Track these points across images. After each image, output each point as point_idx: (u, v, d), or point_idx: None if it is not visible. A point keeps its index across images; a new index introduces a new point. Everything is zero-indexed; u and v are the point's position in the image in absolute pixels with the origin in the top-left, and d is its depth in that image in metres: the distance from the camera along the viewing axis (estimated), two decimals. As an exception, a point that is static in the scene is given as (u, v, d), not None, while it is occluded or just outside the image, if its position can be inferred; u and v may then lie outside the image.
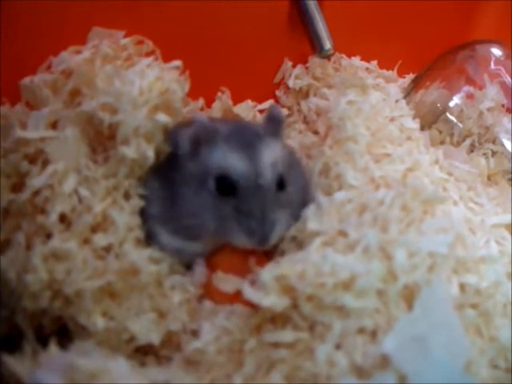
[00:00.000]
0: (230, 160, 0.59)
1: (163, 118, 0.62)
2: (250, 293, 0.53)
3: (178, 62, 0.70)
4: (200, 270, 0.61)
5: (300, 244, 0.60)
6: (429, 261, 0.54)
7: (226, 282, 0.58)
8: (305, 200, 0.64)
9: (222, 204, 0.59)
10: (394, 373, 0.47)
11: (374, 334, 0.51)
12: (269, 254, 0.61)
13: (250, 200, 0.58)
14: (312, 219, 0.60)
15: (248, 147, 0.60)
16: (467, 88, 0.80)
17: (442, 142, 0.78)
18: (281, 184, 0.60)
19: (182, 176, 0.61)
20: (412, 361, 0.47)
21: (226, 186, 0.59)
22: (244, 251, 0.59)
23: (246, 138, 0.62)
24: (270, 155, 0.60)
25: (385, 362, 0.48)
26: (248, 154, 0.59)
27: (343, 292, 0.51)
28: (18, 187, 0.60)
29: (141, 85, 0.62)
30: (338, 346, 0.50)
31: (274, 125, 0.64)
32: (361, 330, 0.51)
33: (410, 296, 0.52)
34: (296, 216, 0.62)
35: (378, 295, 0.52)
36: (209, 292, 0.60)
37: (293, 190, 0.62)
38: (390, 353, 0.48)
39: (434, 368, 0.47)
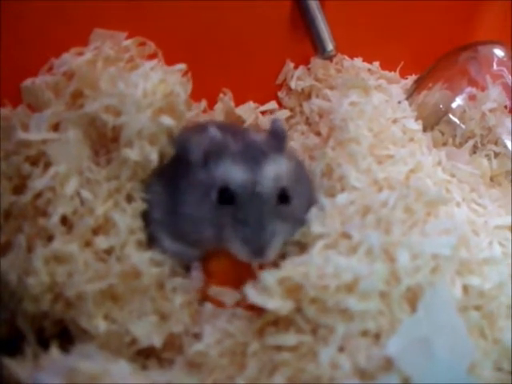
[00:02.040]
0: (232, 173, 0.59)
1: (167, 120, 0.62)
2: (254, 296, 0.52)
3: (182, 65, 0.70)
4: (197, 275, 0.61)
5: (303, 247, 0.60)
6: (432, 263, 0.54)
7: (223, 296, 0.58)
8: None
9: (221, 213, 0.59)
10: (398, 375, 0.47)
11: (377, 337, 0.50)
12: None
13: (248, 209, 0.58)
14: (315, 222, 0.60)
15: (251, 161, 0.60)
16: (470, 89, 0.80)
17: (445, 144, 0.78)
18: (283, 197, 0.60)
19: (187, 183, 0.61)
20: (416, 363, 0.47)
21: (226, 196, 0.59)
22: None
23: (251, 152, 0.61)
24: (272, 168, 0.60)
25: (388, 364, 0.48)
26: (250, 167, 0.59)
27: (346, 294, 0.51)
28: (19, 189, 0.60)
29: (145, 87, 0.62)
30: (341, 349, 0.50)
31: (277, 139, 0.64)
32: (364, 333, 0.50)
33: (413, 298, 0.52)
34: (300, 227, 0.61)
35: (382, 297, 0.51)
36: (207, 297, 0.60)
37: (299, 203, 0.62)
38: (393, 355, 0.47)
39: (438, 370, 0.47)
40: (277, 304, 0.52)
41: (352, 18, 0.88)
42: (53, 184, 0.58)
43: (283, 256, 0.60)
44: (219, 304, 0.59)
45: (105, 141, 0.63)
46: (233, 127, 0.77)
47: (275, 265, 0.56)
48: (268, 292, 0.52)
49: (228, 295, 0.58)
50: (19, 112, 0.67)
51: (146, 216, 0.62)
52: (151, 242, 0.62)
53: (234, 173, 0.59)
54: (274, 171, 0.60)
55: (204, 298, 0.60)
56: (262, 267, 0.56)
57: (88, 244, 0.58)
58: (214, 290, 0.59)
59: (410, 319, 0.50)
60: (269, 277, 0.52)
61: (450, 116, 0.79)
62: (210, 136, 0.61)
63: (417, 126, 0.75)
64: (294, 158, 0.67)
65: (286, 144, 0.65)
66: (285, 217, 0.59)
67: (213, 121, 0.78)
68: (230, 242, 0.58)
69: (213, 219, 0.59)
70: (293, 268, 0.53)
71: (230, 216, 0.58)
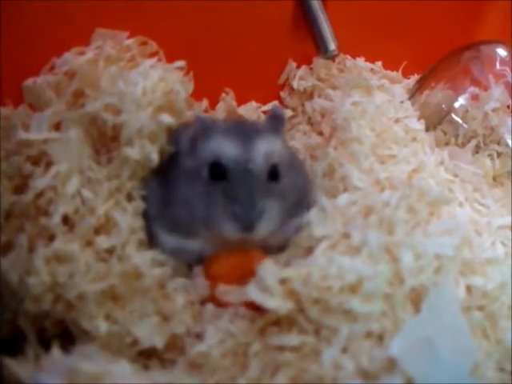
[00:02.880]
0: (223, 147, 0.59)
1: (167, 118, 0.61)
2: (254, 293, 0.52)
3: (181, 62, 0.70)
4: (200, 282, 0.61)
5: (307, 250, 0.60)
6: (435, 263, 0.53)
7: (230, 294, 0.58)
8: (304, 200, 0.64)
9: (212, 189, 0.59)
10: (401, 376, 0.47)
11: (380, 338, 0.50)
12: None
13: (239, 184, 0.58)
14: (317, 223, 0.60)
15: (243, 136, 0.60)
16: (472, 89, 0.80)
17: (447, 143, 0.78)
18: (274, 174, 0.60)
19: (179, 173, 0.62)
20: (419, 364, 0.47)
21: (217, 171, 0.59)
22: (242, 258, 0.59)
23: (243, 129, 0.63)
24: (265, 145, 0.60)
25: (391, 365, 0.47)
26: (242, 141, 0.60)
27: (350, 295, 0.51)
28: (20, 189, 0.60)
29: (144, 85, 0.62)
30: (344, 350, 0.50)
31: (275, 123, 0.64)
32: (368, 334, 0.50)
33: (416, 299, 0.52)
34: (291, 214, 0.62)
35: (385, 298, 0.51)
36: (213, 300, 0.59)
37: (289, 185, 0.62)
38: (396, 356, 0.47)
39: (441, 371, 0.47)
40: (276, 303, 0.51)
41: (354, 18, 0.88)
42: (54, 183, 0.58)
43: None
44: (221, 304, 0.58)
45: (105, 140, 0.63)
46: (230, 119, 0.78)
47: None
48: (269, 291, 0.52)
49: (234, 293, 0.58)
50: (20, 111, 0.67)
51: (145, 214, 0.62)
52: (150, 239, 0.62)
53: (225, 147, 0.59)
54: (266, 148, 0.60)
55: (207, 299, 0.60)
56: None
57: (89, 243, 0.58)
58: (221, 288, 0.59)
59: (413, 320, 0.50)
60: (270, 276, 0.52)
61: (453, 116, 0.79)
62: (196, 120, 0.62)
63: (419, 126, 0.75)
64: (290, 147, 0.68)
65: (283, 127, 0.66)
66: (274, 194, 0.59)
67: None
68: (220, 219, 0.58)
69: (204, 197, 0.59)
70: (295, 269, 0.53)
71: (221, 192, 0.58)
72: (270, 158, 0.60)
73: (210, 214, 0.58)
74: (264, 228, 0.58)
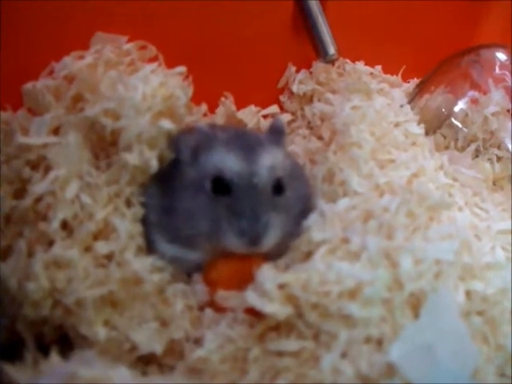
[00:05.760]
0: (226, 160, 0.59)
1: (167, 124, 0.61)
2: (253, 299, 0.52)
3: (182, 68, 0.70)
4: (199, 287, 0.60)
5: (306, 255, 0.59)
6: (435, 268, 0.53)
7: (229, 300, 0.58)
8: (306, 209, 0.63)
9: (216, 204, 0.59)
10: (401, 381, 0.47)
11: (379, 343, 0.50)
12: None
13: (243, 199, 0.58)
14: (316, 228, 0.60)
15: (246, 149, 0.60)
16: (472, 93, 0.80)
17: (447, 147, 0.78)
18: (278, 188, 0.60)
19: (180, 183, 0.61)
20: (418, 369, 0.47)
21: (221, 185, 0.59)
22: (241, 263, 0.59)
23: (245, 141, 0.62)
24: (268, 158, 0.60)
25: (391, 370, 0.47)
26: (245, 155, 0.59)
27: (349, 301, 0.51)
28: (19, 194, 0.60)
29: (144, 90, 0.62)
30: (343, 355, 0.50)
31: (276, 135, 0.64)
32: (367, 339, 0.50)
33: (416, 304, 0.52)
34: (295, 225, 0.61)
35: (384, 303, 0.51)
36: (212, 306, 0.59)
37: (293, 197, 0.62)
38: (396, 361, 0.47)
39: (441, 376, 0.47)
40: (275, 308, 0.51)
41: (354, 22, 0.88)
42: (53, 188, 0.58)
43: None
44: (220, 309, 0.58)
45: (105, 144, 0.63)
46: (231, 127, 0.78)
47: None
48: (268, 296, 0.52)
49: (233, 298, 0.57)
50: (20, 116, 0.67)
51: (144, 220, 0.62)
52: (148, 246, 0.61)
53: (228, 161, 0.59)
54: (270, 161, 0.60)
55: (206, 304, 0.60)
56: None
57: (88, 249, 0.58)
58: (220, 294, 0.58)
59: (412, 325, 0.50)
60: (269, 281, 0.52)
61: (453, 120, 0.79)
62: (197, 131, 0.62)
63: (419, 130, 0.75)
64: (291, 157, 0.68)
65: (284, 140, 0.66)
66: (279, 208, 0.59)
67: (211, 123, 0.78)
68: (225, 233, 0.58)
69: (208, 211, 0.59)
70: (294, 274, 0.53)
71: (225, 207, 0.58)
72: (274, 172, 0.60)
73: (215, 228, 0.58)
74: (270, 242, 0.58)
